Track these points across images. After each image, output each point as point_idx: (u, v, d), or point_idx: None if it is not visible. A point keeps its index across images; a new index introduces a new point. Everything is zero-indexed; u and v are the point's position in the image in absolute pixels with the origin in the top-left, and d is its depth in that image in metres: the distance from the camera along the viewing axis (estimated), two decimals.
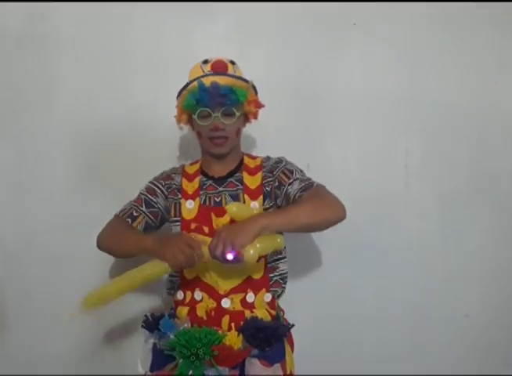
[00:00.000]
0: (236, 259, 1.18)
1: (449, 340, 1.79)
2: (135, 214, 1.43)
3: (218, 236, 1.20)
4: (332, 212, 1.30)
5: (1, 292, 1.71)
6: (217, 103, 1.33)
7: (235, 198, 1.38)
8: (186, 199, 1.40)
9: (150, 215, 1.44)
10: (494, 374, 1.79)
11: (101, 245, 1.43)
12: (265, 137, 1.73)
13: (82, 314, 1.30)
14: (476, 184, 1.80)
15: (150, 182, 1.48)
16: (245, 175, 1.41)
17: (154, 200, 1.45)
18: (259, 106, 1.45)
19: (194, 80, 1.36)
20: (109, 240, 1.41)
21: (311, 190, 1.35)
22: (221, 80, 1.34)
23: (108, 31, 1.74)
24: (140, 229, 1.43)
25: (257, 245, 1.19)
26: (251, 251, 1.18)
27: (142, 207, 1.44)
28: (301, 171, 1.43)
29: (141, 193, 1.48)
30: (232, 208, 1.26)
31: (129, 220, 1.42)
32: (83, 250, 1.69)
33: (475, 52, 1.81)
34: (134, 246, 1.34)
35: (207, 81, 1.33)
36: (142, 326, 1.36)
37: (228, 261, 1.18)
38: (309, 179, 1.39)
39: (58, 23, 1.74)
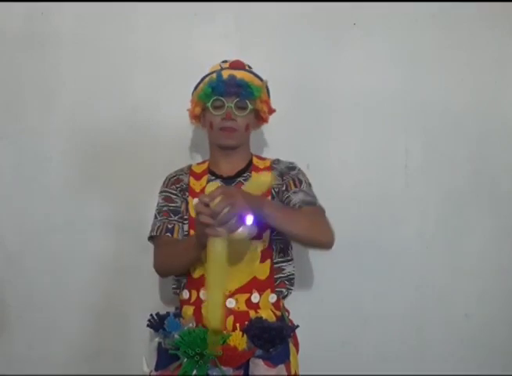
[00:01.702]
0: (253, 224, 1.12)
1: (449, 340, 1.79)
2: (169, 226, 1.40)
3: (232, 197, 1.09)
4: (324, 236, 1.31)
5: (1, 292, 1.71)
6: (231, 93, 1.36)
7: None
8: (193, 197, 1.41)
9: (182, 220, 1.42)
10: (494, 374, 1.79)
11: (163, 273, 1.43)
12: (265, 137, 1.74)
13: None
14: (476, 184, 1.81)
15: (163, 192, 1.46)
16: (254, 175, 1.41)
17: (175, 205, 1.43)
18: (270, 109, 1.47)
19: (212, 73, 1.40)
20: (168, 264, 1.39)
21: (313, 208, 1.36)
22: (239, 74, 1.38)
23: (108, 31, 1.74)
24: (182, 237, 1.41)
25: None
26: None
27: (171, 217, 1.41)
28: (310, 185, 1.43)
29: (161, 206, 1.44)
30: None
31: (169, 234, 1.39)
32: (83, 250, 1.70)
33: (475, 51, 1.82)
34: (190, 253, 1.30)
35: (225, 74, 1.37)
36: (148, 325, 1.35)
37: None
38: (314, 197, 1.40)
39: (58, 23, 1.73)
